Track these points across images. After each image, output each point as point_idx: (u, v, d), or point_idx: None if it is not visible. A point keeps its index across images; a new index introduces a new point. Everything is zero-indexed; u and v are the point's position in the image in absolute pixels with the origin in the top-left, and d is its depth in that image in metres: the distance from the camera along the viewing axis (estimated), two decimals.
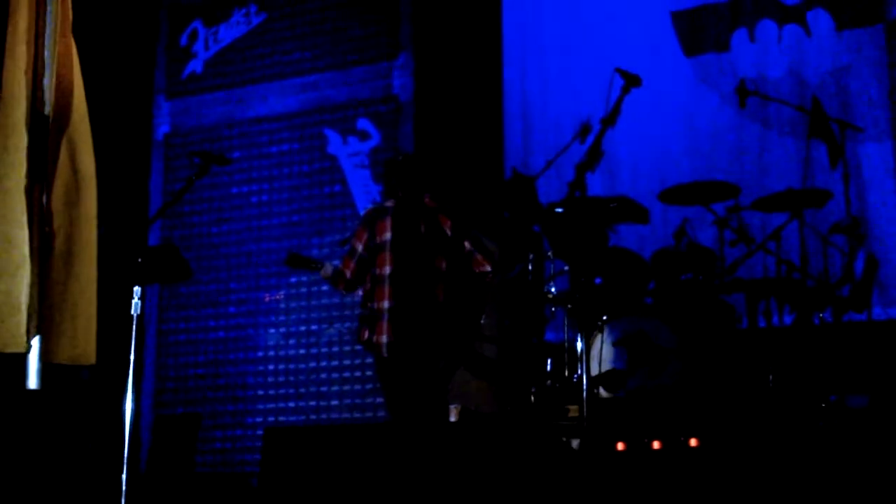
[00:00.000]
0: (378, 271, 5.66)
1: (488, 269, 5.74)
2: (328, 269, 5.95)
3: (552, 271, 6.59)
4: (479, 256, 5.69)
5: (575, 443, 5.56)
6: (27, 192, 2.79)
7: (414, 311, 5.57)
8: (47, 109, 2.83)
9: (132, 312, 4.83)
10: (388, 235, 5.66)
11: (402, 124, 8.78)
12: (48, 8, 2.87)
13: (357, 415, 8.51)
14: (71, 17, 3.00)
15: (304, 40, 9.31)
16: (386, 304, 5.59)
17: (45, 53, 2.85)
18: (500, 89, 8.55)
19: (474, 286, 5.78)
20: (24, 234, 2.75)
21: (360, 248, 5.79)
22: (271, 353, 8.95)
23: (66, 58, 2.96)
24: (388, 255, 5.65)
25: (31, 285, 2.75)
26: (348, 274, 5.82)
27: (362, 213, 8.81)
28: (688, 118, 7.93)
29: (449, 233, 5.65)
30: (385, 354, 5.58)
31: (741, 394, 6.02)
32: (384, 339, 5.57)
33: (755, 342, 6.27)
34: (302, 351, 8.84)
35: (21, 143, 2.77)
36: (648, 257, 6.45)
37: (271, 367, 8.93)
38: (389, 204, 5.79)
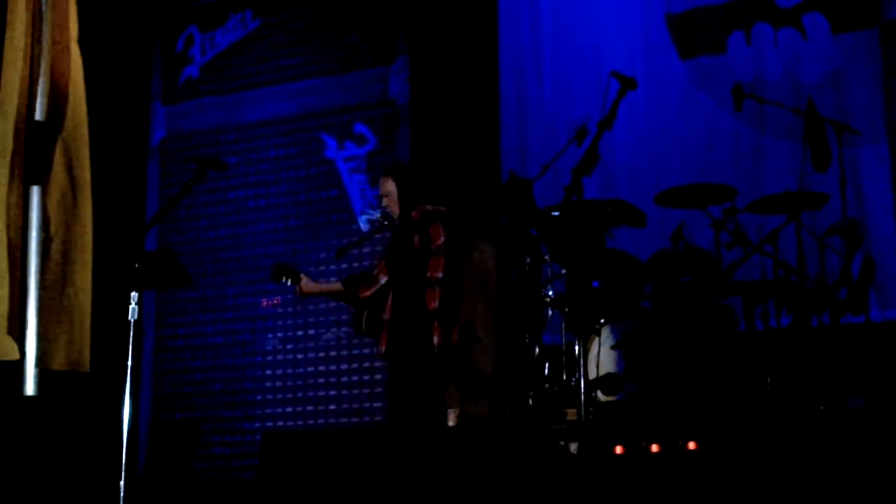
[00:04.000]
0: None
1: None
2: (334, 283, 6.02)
3: (549, 275, 6.59)
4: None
5: (573, 447, 5.56)
6: (23, 198, 2.78)
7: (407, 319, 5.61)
8: (41, 116, 2.82)
9: (129, 318, 4.83)
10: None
11: (399, 129, 8.78)
12: (44, 15, 2.86)
13: (355, 419, 8.51)
14: (75, 24, 3.00)
15: (301, 45, 9.30)
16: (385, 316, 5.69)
17: (41, 60, 2.84)
18: (496, 93, 8.55)
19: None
20: (2, 240, 2.74)
21: None
22: (269, 358, 8.94)
23: (63, 65, 2.95)
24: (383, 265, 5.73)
25: (11, 294, 2.73)
26: (383, 280, 5.80)
27: (359, 217, 8.83)
28: (684, 121, 7.92)
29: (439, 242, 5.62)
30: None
31: (739, 397, 6.02)
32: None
33: (753, 345, 6.26)
34: (300, 356, 8.83)
35: (7, 149, 2.77)
36: (645, 260, 6.44)
37: (269, 372, 8.91)
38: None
